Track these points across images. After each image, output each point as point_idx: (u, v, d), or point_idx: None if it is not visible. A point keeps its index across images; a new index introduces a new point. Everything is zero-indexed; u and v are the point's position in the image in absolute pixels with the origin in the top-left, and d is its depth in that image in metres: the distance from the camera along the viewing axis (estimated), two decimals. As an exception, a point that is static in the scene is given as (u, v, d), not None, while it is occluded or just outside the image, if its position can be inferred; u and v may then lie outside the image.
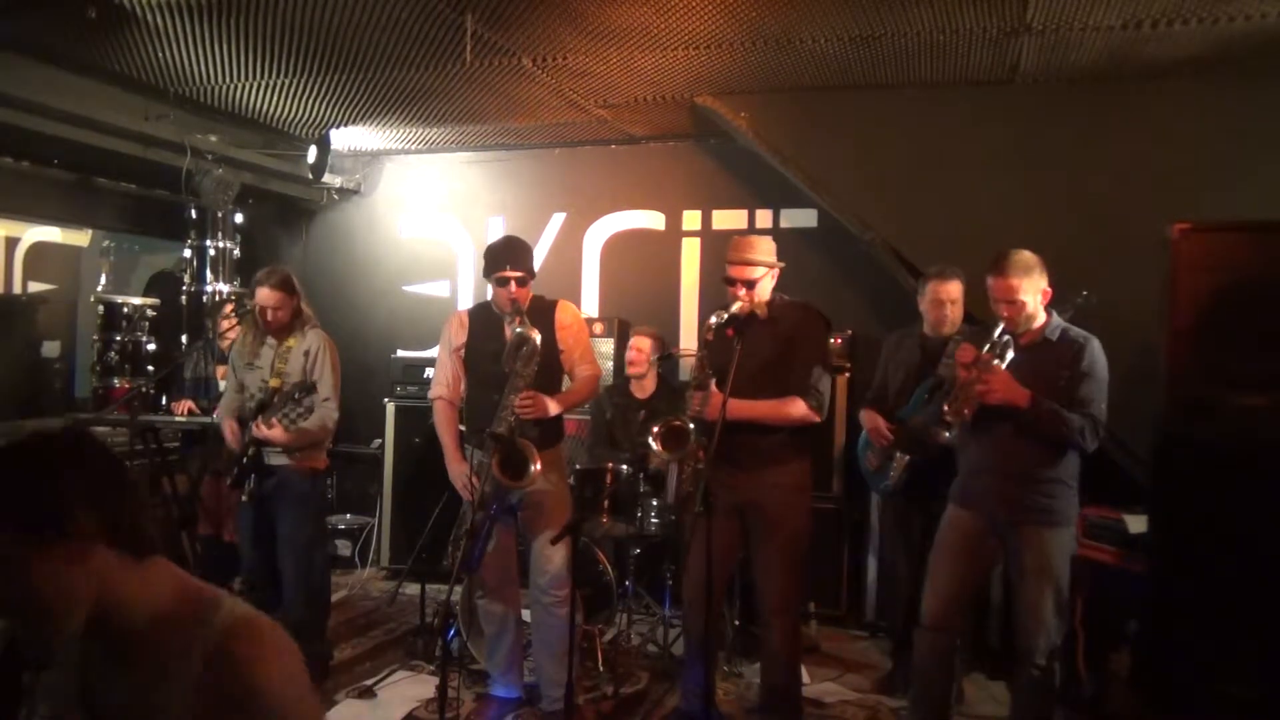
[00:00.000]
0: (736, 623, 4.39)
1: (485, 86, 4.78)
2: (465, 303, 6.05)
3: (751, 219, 5.59)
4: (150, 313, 5.87)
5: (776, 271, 3.41)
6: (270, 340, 3.94)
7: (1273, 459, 3.10)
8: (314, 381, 3.80)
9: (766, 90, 4.82)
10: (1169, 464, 3.36)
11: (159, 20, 3.90)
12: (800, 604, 4.18)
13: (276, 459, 3.87)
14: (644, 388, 4.78)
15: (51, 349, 6.64)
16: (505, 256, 3.50)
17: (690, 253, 5.77)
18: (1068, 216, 4.46)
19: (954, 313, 3.98)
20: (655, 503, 4.36)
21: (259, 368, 3.92)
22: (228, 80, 4.70)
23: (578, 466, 4.50)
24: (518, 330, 3.40)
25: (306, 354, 3.91)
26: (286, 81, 4.74)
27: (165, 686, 1.24)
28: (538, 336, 3.39)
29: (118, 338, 5.70)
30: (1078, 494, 3.11)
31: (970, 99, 4.70)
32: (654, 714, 3.86)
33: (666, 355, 4.99)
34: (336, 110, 5.25)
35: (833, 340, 4.52)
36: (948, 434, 3.14)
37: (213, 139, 5.26)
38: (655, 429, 3.29)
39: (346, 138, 5.94)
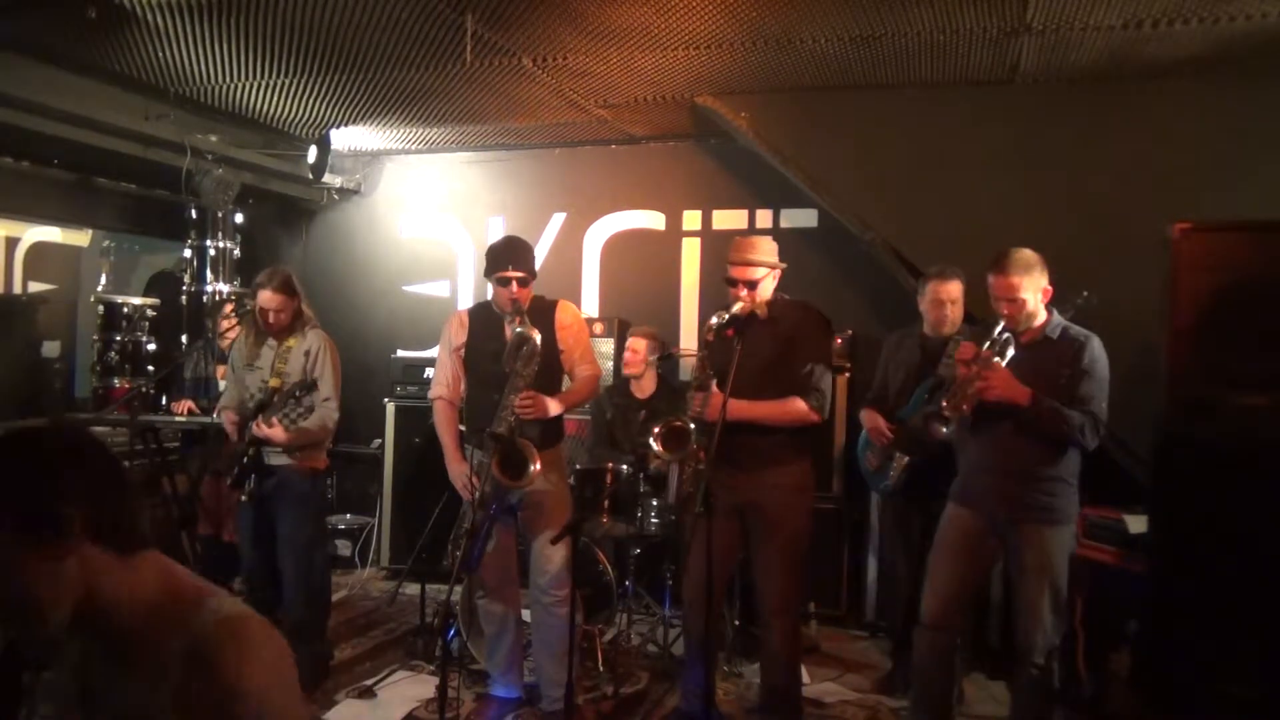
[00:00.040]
0: (736, 623, 4.39)
1: (485, 86, 4.78)
2: (465, 303, 6.04)
3: (751, 219, 5.59)
4: (150, 313, 5.86)
5: (778, 272, 3.41)
6: (270, 341, 3.94)
7: (1273, 459, 3.10)
8: (315, 380, 3.80)
9: (766, 90, 4.82)
10: (1169, 464, 3.36)
11: (159, 20, 3.90)
12: (800, 604, 4.18)
13: (276, 459, 3.87)
14: (644, 388, 4.78)
15: (51, 349, 6.63)
16: (507, 256, 3.49)
17: (690, 253, 5.76)
18: (1068, 216, 4.46)
19: (954, 313, 3.98)
20: (655, 503, 4.36)
21: (259, 368, 3.92)
22: (228, 80, 4.70)
23: (578, 466, 4.50)
24: (518, 330, 3.40)
25: (307, 354, 3.91)
26: (286, 81, 4.74)
27: (164, 686, 1.23)
28: (538, 336, 3.39)
29: (118, 338, 5.69)
30: (1078, 492, 3.11)
31: (970, 99, 4.70)
32: (654, 714, 3.85)
33: (666, 355, 4.98)
34: (336, 110, 5.25)
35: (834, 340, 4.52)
36: (945, 429, 3.14)
37: (213, 139, 5.25)
38: (656, 430, 3.29)
39: (346, 138, 5.94)
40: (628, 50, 4.22)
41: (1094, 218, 4.43)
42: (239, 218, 5.78)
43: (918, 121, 4.79)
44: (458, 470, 3.56)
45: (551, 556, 3.52)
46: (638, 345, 4.75)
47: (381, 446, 5.81)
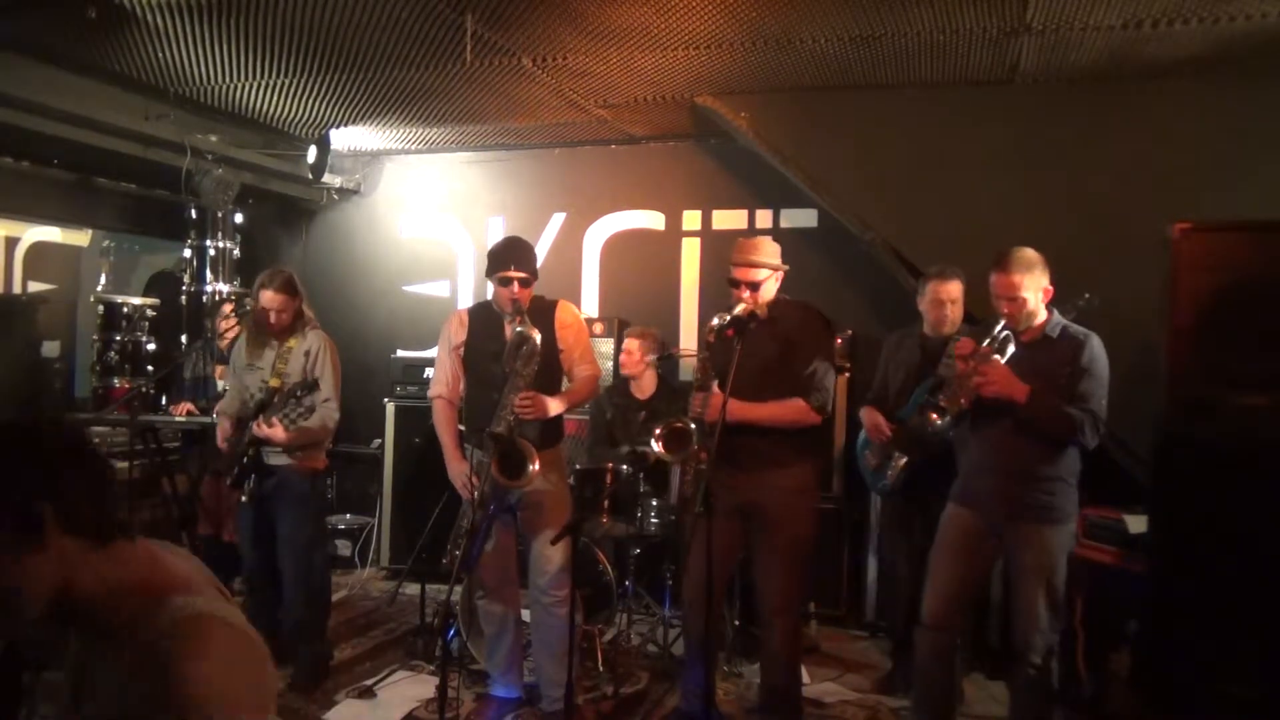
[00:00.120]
0: (736, 623, 4.39)
1: (485, 86, 4.78)
2: (465, 303, 6.04)
3: (751, 219, 5.59)
4: (150, 313, 5.87)
5: (781, 274, 3.41)
6: (271, 341, 3.94)
7: (1273, 459, 3.10)
8: (316, 379, 3.80)
9: (766, 90, 4.82)
10: (1169, 464, 3.36)
11: (159, 20, 3.90)
12: (801, 605, 4.18)
13: (276, 459, 3.87)
14: (643, 388, 4.78)
15: (51, 349, 6.64)
16: (509, 257, 3.49)
17: (690, 253, 5.76)
18: (1068, 216, 4.46)
19: (954, 313, 3.98)
20: (655, 503, 4.36)
21: (259, 368, 3.92)
22: (228, 80, 4.70)
23: (578, 466, 4.50)
24: (518, 330, 3.40)
25: (307, 354, 3.91)
26: (286, 81, 4.74)
27: (132, 682, 1.20)
28: (538, 336, 3.39)
29: (117, 338, 5.70)
30: (1077, 492, 3.11)
31: (970, 99, 4.70)
32: (654, 714, 3.85)
33: (666, 355, 4.98)
34: (336, 110, 5.25)
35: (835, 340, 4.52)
36: (939, 419, 3.13)
37: (213, 139, 5.26)
38: (657, 430, 3.29)
39: (346, 138, 5.94)
40: (628, 50, 4.22)
41: (1094, 218, 4.43)
42: (239, 218, 5.78)
43: (918, 121, 4.79)
44: (457, 469, 3.56)
45: (551, 556, 3.52)
46: (631, 346, 4.74)
47: (381, 446, 5.81)
